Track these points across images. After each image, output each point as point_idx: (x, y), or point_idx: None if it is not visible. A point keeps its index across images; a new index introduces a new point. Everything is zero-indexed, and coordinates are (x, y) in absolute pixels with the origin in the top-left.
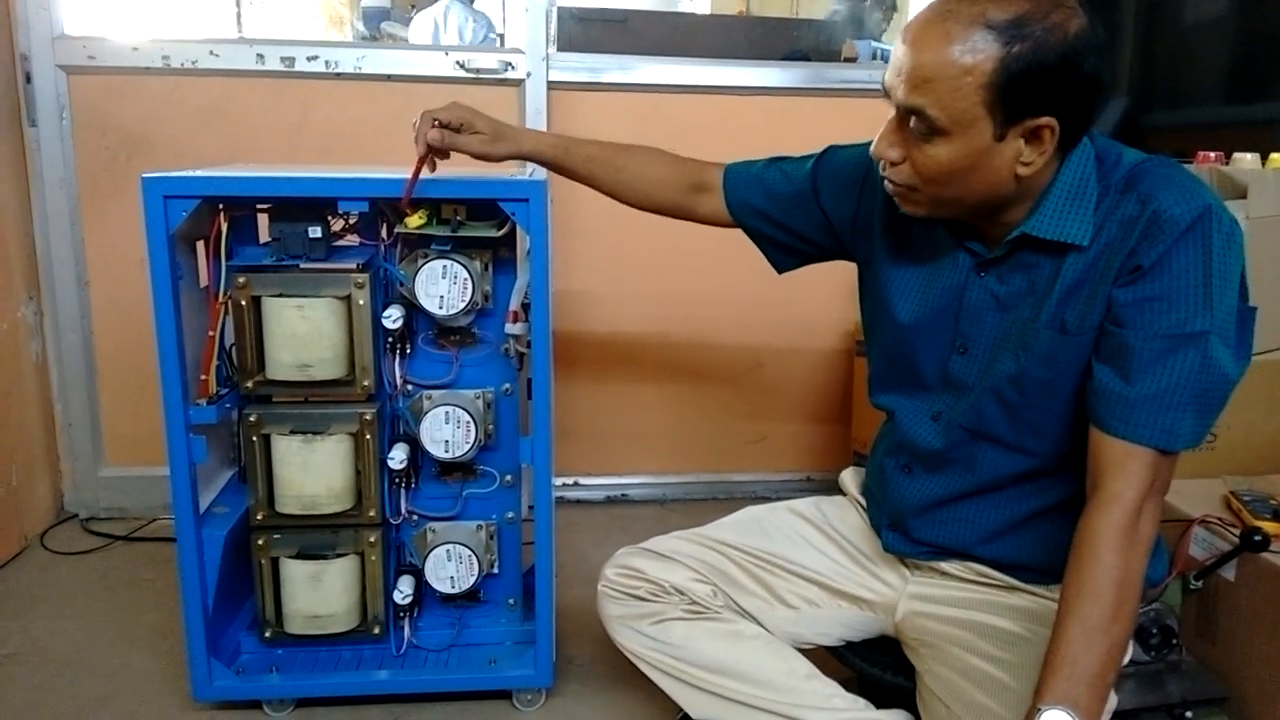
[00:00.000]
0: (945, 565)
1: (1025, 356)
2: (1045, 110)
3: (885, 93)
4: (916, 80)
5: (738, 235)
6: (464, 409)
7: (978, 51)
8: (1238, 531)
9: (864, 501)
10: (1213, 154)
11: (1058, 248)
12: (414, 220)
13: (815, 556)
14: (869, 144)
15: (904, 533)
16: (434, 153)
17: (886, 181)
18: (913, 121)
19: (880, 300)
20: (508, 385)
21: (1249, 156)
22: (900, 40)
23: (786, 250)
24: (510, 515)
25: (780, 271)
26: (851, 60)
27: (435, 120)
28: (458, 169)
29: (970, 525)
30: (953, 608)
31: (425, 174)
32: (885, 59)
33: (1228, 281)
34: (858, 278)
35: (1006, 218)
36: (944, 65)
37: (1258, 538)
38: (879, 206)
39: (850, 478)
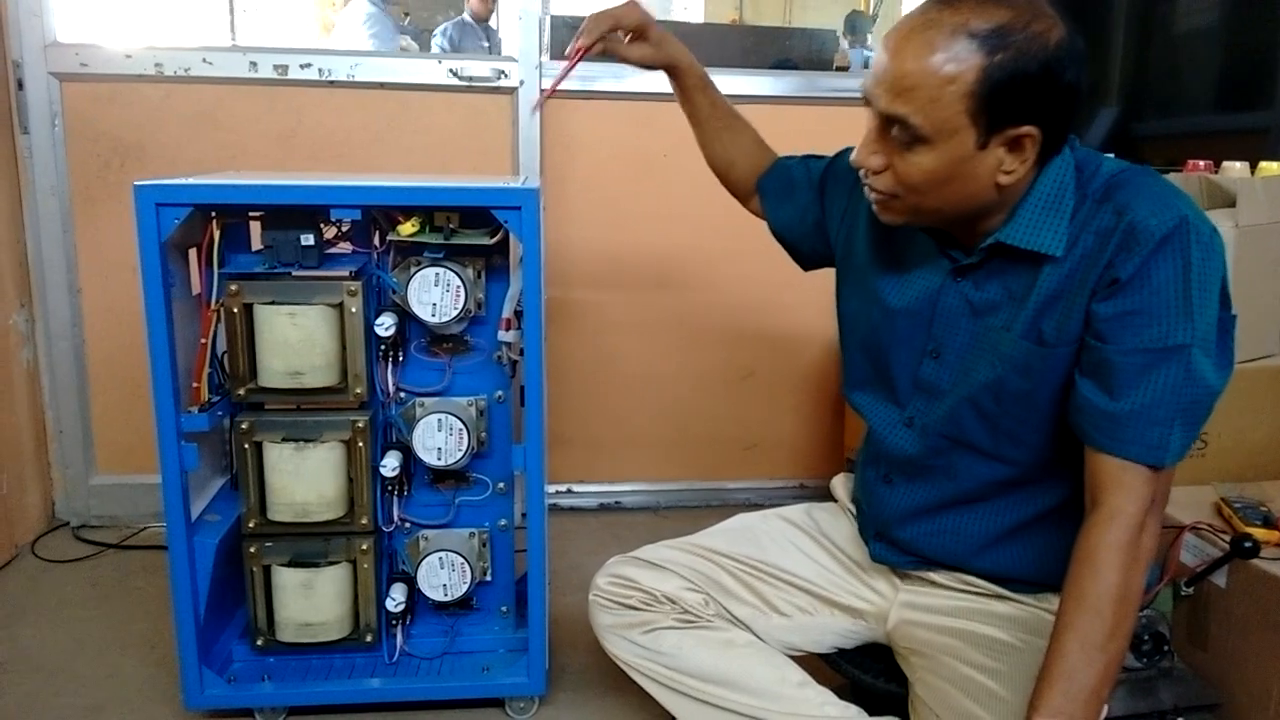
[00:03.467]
0: (935, 575)
1: (1002, 366)
2: (1027, 119)
3: (865, 100)
4: (899, 89)
5: (730, 244)
6: (456, 416)
7: (960, 60)
8: (1228, 538)
9: (854, 509)
10: (1202, 163)
11: (1032, 257)
12: (406, 228)
13: (807, 564)
14: None
15: (890, 543)
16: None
17: (866, 189)
18: (894, 130)
19: (864, 290)
20: (500, 392)
21: (1238, 165)
22: (881, 48)
23: (803, 252)
24: (503, 522)
25: (806, 269)
26: (844, 69)
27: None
28: (450, 178)
29: (958, 537)
30: (944, 616)
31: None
32: None
33: (1208, 292)
34: (836, 274)
35: (983, 225)
36: (926, 74)
37: (1248, 544)
38: (865, 204)
39: (841, 484)
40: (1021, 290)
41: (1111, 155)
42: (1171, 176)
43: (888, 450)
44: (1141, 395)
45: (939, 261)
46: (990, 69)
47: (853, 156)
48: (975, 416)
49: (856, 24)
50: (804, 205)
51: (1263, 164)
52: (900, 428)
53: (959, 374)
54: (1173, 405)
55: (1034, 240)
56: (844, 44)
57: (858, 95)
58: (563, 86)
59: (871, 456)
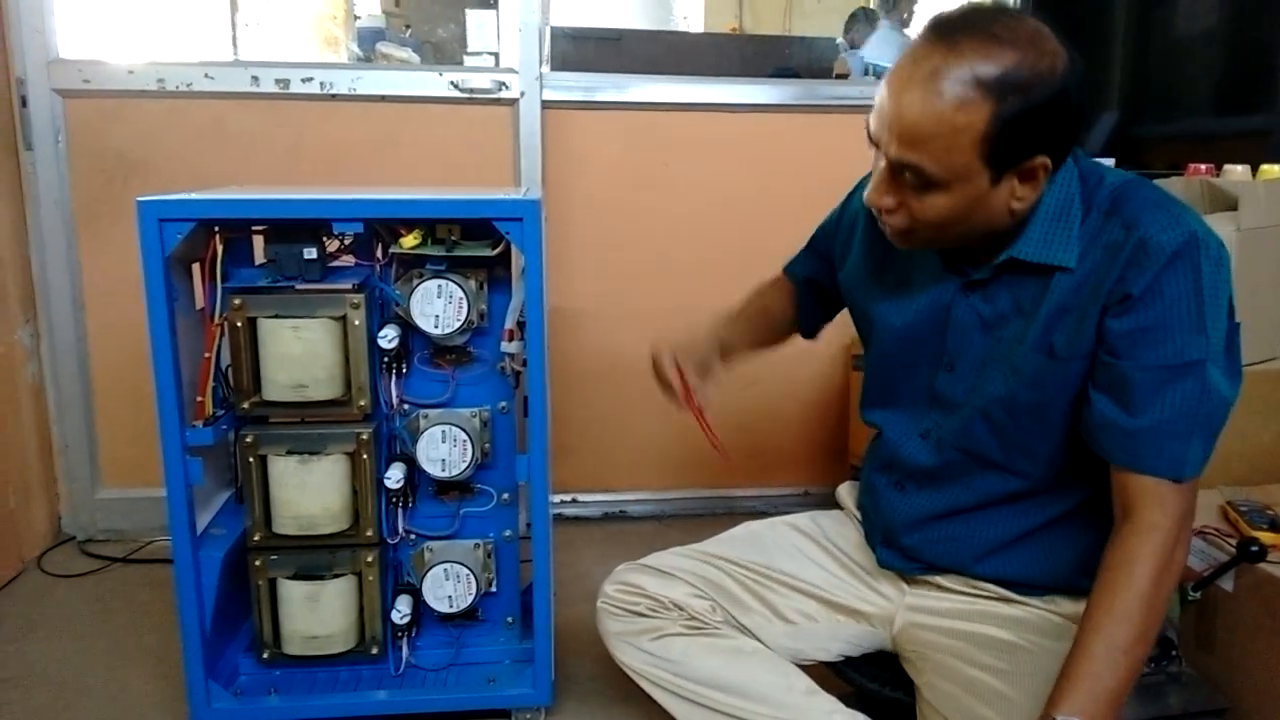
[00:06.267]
0: (941, 580)
1: (1014, 379)
2: (1038, 150)
3: (873, 142)
4: (908, 139)
5: (734, 251)
6: (460, 428)
7: (970, 109)
8: (1235, 542)
9: (860, 516)
10: (1203, 166)
11: (1044, 270)
12: (409, 240)
13: (813, 571)
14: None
15: (897, 549)
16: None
17: (882, 223)
18: (906, 174)
19: (870, 312)
20: (504, 403)
21: (1239, 168)
22: (886, 92)
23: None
24: (508, 533)
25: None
26: (843, 77)
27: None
28: (451, 190)
29: (964, 543)
30: (950, 619)
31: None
32: (877, 74)
33: (1219, 306)
34: (847, 304)
35: (996, 241)
36: (937, 124)
37: (1255, 548)
38: (862, 226)
39: (847, 492)
40: (1031, 303)
41: (1111, 163)
42: (1173, 180)
43: (902, 459)
44: (1160, 411)
45: (947, 276)
46: (1001, 113)
47: (865, 196)
48: (987, 429)
49: (863, 16)
50: (823, 272)
51: (1264, 167)
52: (916, 439)
53: (972, 386)
54: (1190, 419)
55: (1046, 254)
56: (843, 45)
57: (858, 103)
58: (562, 98)
59: (883, 463)
